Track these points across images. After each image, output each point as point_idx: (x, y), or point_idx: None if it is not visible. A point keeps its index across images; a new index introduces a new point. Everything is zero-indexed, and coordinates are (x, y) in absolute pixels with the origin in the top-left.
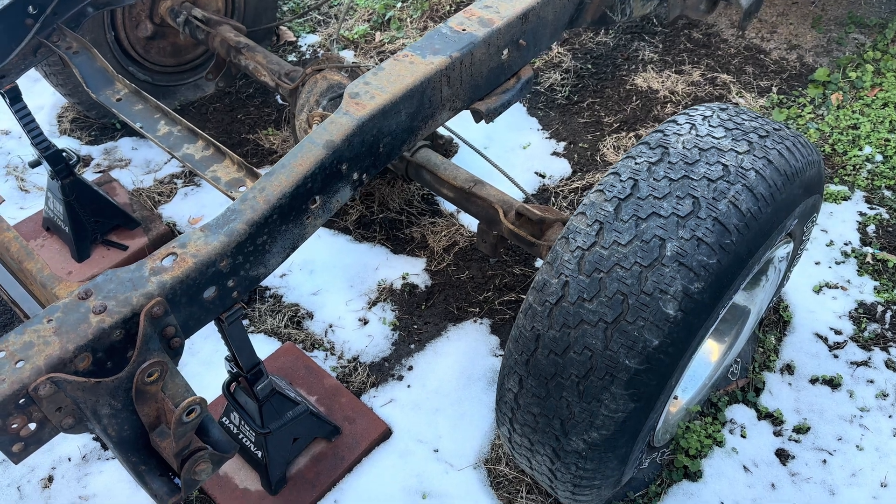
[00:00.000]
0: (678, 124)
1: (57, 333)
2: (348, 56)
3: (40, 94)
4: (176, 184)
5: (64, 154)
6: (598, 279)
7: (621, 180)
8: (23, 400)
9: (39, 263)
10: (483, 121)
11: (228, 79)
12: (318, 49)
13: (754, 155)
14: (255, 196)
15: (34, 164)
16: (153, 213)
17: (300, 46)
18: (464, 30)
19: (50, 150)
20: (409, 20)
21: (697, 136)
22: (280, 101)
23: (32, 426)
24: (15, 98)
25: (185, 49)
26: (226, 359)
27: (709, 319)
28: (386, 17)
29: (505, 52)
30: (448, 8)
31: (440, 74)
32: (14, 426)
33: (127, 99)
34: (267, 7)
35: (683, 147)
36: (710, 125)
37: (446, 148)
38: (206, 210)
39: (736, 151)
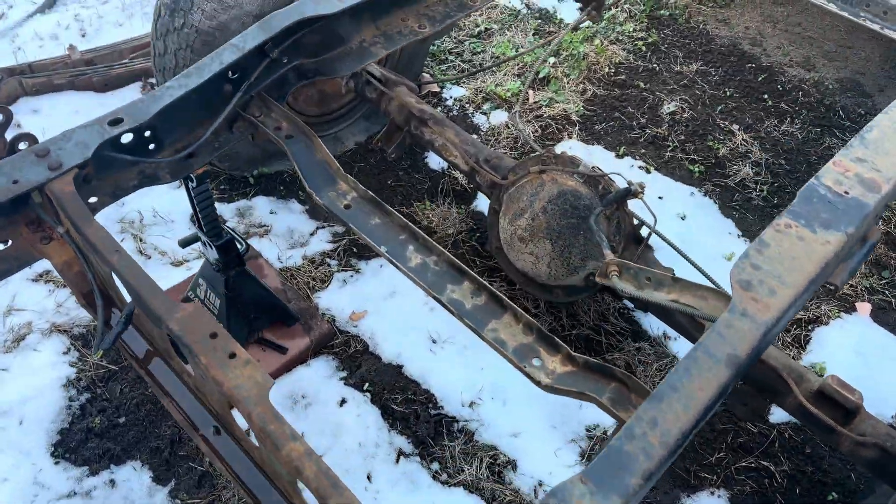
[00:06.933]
0: None
1: None
2: (502, 117)
3: None
4: (330, 265)
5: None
6: None
7: None
8: None
9: None
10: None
11: (401, 149)
12: (466, 105)
13: None
14: (644, 432)
15: (186, 244)
16: (311, 304)
17: (446, 100)
18: (846, 192)
19: (223, 238)
20: (565, 80)
21: None
22: (444, 171)
23: None
24: (200, 180)
25: (331, 97)
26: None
27: None
28: (540, 75)
29: None
30: (606, 70)
31: (837, 258)
32: None
33: (357, 206)
34: (419, 53)
35: None
36: None
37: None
38: (369, 304)
39: None
